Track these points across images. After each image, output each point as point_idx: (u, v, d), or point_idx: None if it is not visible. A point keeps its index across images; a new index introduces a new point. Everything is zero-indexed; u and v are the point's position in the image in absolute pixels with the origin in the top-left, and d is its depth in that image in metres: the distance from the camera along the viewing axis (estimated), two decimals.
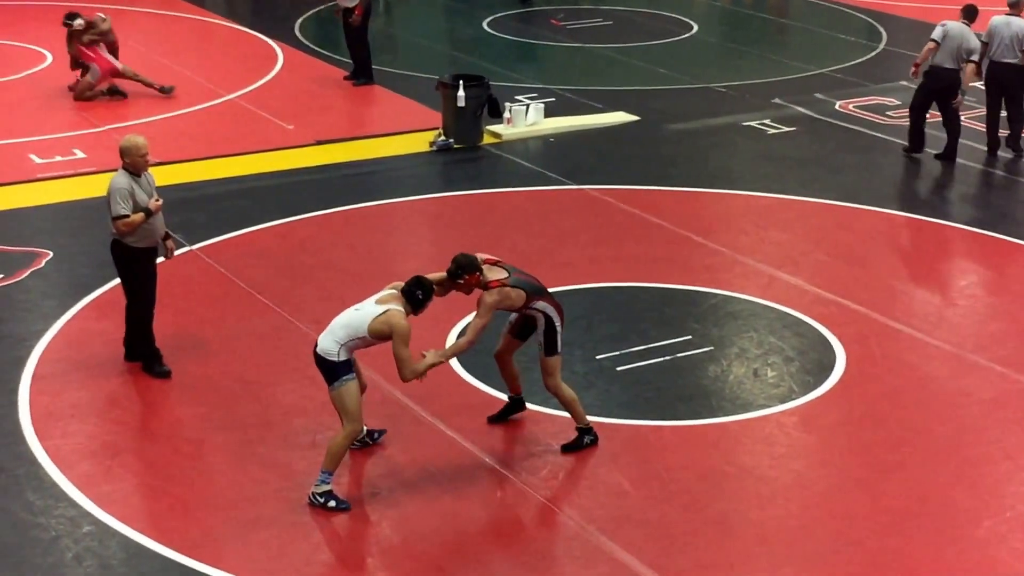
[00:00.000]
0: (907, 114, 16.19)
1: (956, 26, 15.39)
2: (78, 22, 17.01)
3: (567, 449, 9.44)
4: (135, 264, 10.34)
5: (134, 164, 10.17)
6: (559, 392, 9.37)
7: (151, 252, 10.42)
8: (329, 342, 8.71)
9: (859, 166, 15.81)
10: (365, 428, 9.36)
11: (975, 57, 15.41)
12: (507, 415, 9.86)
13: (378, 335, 8.65)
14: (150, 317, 10.53)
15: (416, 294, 8.78)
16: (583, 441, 9.47)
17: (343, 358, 8.69)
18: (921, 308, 12.02)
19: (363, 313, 8.71)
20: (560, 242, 13.32)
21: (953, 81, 15.41)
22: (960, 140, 15.78)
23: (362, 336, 8.66)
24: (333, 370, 8.71)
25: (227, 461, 9.40)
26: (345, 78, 18.70)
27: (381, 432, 9.55)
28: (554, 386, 9.34)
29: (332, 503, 8.75)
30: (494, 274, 9.07)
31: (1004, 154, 16.01)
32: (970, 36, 15.38)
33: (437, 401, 10.10)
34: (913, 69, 16.01)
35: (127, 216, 10.06)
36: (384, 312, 8.65)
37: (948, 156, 15.77)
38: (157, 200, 10.22)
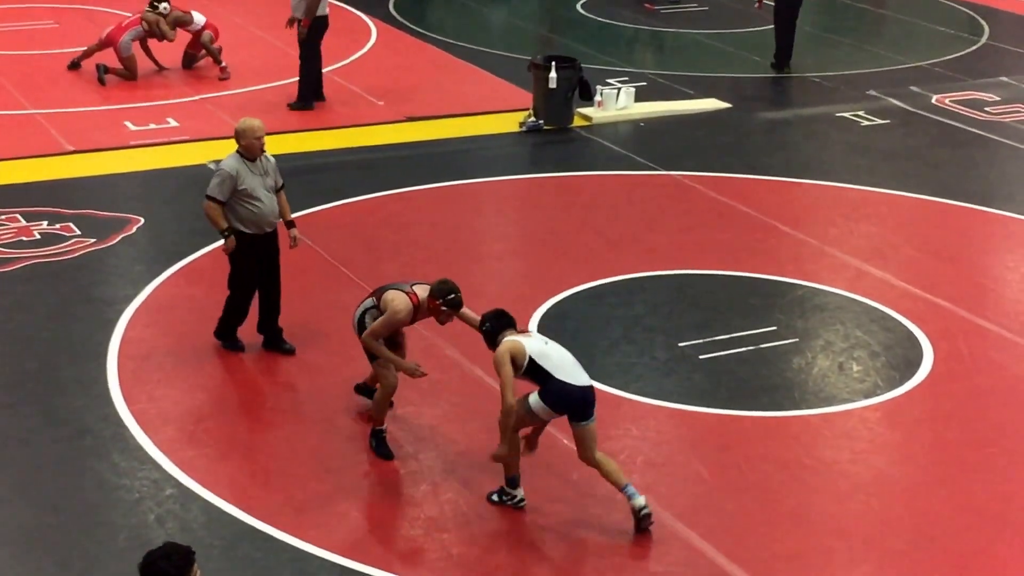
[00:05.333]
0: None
1: None
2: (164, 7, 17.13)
3: None
4: (237, 247, 10.15)
5: (248, 148, 9.95)
6: None
7: (254, 238, 10.14)
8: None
9: (953, 162, 15.56)
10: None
11: None
12: None
13: None
14: (277, 299, 10.40)
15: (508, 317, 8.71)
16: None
17: None
18: (1012, 307, 11.82)
19: (554, 346, 8.56)
20: (647, 227, 13.26)
21: None
22: None
23: None
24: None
25: (310, 432, 9.48)
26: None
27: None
28: None
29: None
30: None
31: None
32: None
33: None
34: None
35: (214, 202, 9.94)
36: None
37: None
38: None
